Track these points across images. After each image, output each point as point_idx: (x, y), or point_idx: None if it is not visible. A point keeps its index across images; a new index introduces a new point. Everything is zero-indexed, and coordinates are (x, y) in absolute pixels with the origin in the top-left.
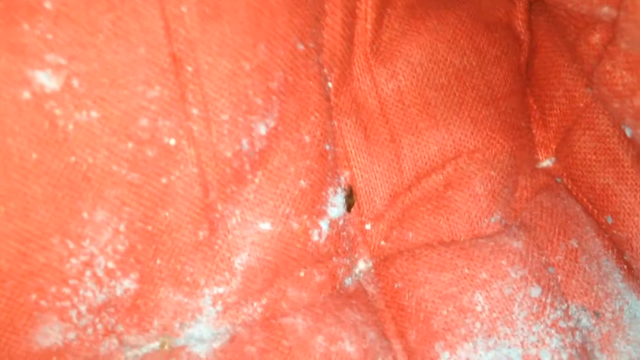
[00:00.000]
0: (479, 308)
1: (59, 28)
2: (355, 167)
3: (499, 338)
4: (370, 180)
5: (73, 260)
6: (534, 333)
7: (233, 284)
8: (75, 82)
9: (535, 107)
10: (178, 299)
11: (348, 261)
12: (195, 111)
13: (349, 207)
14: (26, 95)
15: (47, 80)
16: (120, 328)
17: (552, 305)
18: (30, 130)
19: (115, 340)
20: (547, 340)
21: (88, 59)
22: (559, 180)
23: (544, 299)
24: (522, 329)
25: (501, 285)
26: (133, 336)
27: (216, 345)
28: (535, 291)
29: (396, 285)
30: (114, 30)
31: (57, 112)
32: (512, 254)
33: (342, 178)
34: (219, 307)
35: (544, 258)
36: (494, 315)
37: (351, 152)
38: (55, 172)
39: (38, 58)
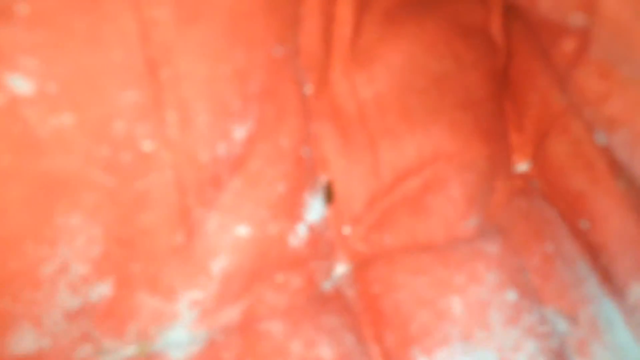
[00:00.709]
0: (455, 312)
1: (33, 31)
2: (333, 171)
3: (476, 343)
4: (349, 184)
5: (47, 266)
6: (510, 338)
7: (210, 288)
8: (49, 86)
9: (511, 111)
10: (154, 304)
11: (326, 265)
12: (171, 115)
13: (329, 198)
14: None
15: (19, 83)
16: (96, 334)
17: (528, 309)
18: (3, 135)
19: (91, 346)
20: (524, 344)
21: (62, 62)
22: (535, 184)
23: (520, 304)
24: (499, 333)
25: (478, 290)
26: (109, 342)
27: (193, 350)
28: (512, 295)
29: (374, 289)
30: (89, 34)
31: (31, 116)
32: (488, 258)
33: (320, 181)
34: (196, 312)
35: (520, 262)
36: (471, 320)
37: (329, 156)
38: (29, 177)
39: (10, 61)
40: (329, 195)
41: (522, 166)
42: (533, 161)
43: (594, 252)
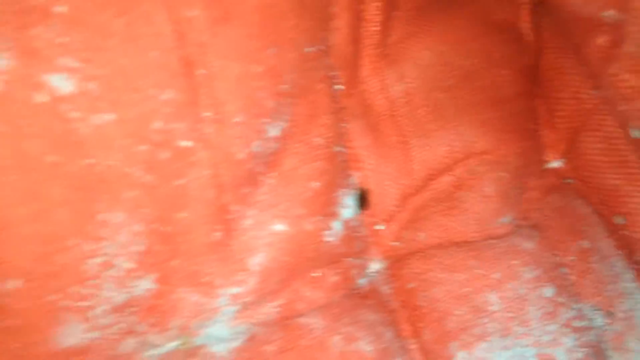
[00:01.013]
0: (493, 308)
1: (72, 32)
2: (366, 168)
3: (514, 338)
4: (381, 181)
5: (91, 261)
6: (548, 333)
7: (249, 284)
8: (89, 85)
9: (542, 108)
10: (195, 299)
11: (361, 262)
12: (207, 114)
13: (363, 204)
14: (40, 98)
15: (61, 83)
16: (140, 328)
17: (565, 305)
18: (45, 134)
19: (135, 340)
20: (562, 339)
21: (101, 62)
22: (568, 181)
23: (557, 299)
24: (537, 328)
25: (515, 286)
26: (152, 336)
27: (234, 344)
28: (549, 291)
29: (410, 286)
30: (126, 34)
31: (72, 115)
32: (524, 254)
33: (353, 179)
34: (236, 307)
35: (556, 258)
36: (509, 315)
37: (361, 153)
38: (72, 175)
39: (52, 62)
40: (363, 203)
41: (555, 163)
42: (566, 158)
43: (629, 247)
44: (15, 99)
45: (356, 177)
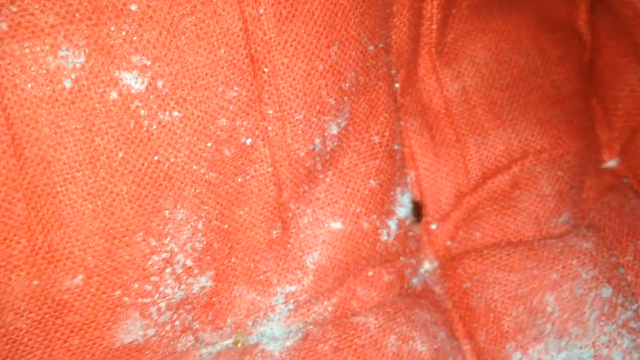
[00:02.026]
0: (549, 309)
1: (144, 30)
2: (421, 167)
3: (570, 339)
4: (436, 180)
5: (155, 257)
6: (605, 333)
7: (305, 282)
8: (159, 83)
9: (598, 107)
10: (251, 296)
11: (414, 261)
12: (270, 111)
13: (418, 218)
14: (113, 95)
15: (133, 81)
16: (196, 325)
17: (623, 305)
18: (117, 130)
19: (191, 337)
20: (619, 340)
21: (171, 60)
22: (625, 180)
23: (615, 300)
24: (594, 329)
25: (572, 286)
26: (208, 333)
27: (289, 343)
28: (607, 291)
29: (464, 286)
30: (195, 32)
31: (142, 112)
32: (582, 254)
33: (409, 178)
34: (291, 306)
35: (613, 258)
36: (565, 315)
37: (417, 152)
38: (140, 171)
39: (125, 59)
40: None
41: (611, 162)
42: (622, 157)
43: None
44: (90, 96)
45: (412, 176)
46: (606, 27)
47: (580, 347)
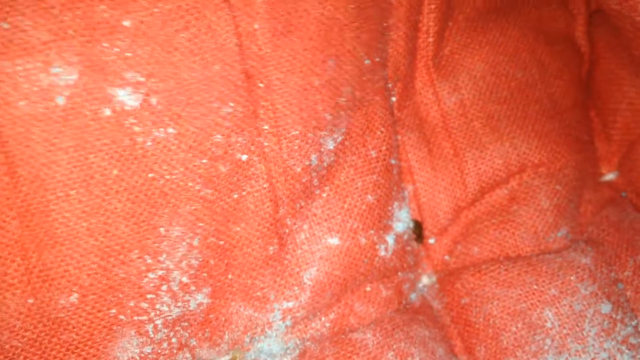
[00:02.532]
0: (548, 324)
1: (138, 46)
2: (419, 181)
3: (569, 355)
4: (434, 194)
5: (150, 275)
6: (605, 350)
7: (302, 298)
8: (153, 100)
9: (596, 120)
10: (248, 313)
11: (412, 276)
12: (266, 127)
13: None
14: (107, 112)
15: (126, 97)
16: (193, 342)
17: (622, 321)
18: (111, 147)
19: (188, 354)
20: (618, 357)
21: (165, 76)
22: (624, 194)
23: (614, 315)
24: (593, 345)
25: (571, 302)
26: (205, 350)
27: (286, 359)
28: (606, 307)
29: (463, 301)
30: (189, 48)
31: (136, 129)
32: (580, 269)
33: (407, 193)
34: (288, 322)
35: (612, 274)
36: (564, 331)
37: (414, 166)
38: (134, 188)
39: (118, 76)
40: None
41: (609, 176)
42: (620, 170)
43: None
44: (83, 114)
45: (409, 191)
46: (604, 40)
47: None
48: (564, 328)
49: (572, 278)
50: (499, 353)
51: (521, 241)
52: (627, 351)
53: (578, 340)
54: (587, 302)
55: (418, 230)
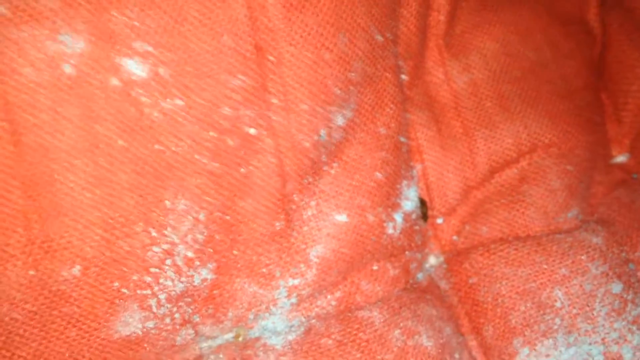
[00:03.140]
0: (558, 304)
1: (147, 15)
2: (428, 160)
3: (579, 334)
4: (443, 174)
5: (155, 249)
6: (615, 330)
7: (308, 276)
8: (161, 70)
9: (608, 101)
10: (253, 290)
11: (420, 255)
12: (275, 101)
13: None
14: (114, 82)
15: (134, 67)
16: (196, 318)
17: (633, 301)
18: (117, 117)
19: (191, 331)
20: (629, 337)
21: (174, 47)
22: (635, 176)
23: (625, 295)
24: (603, 325)
25: (581, 281)
26: (208, 327)
27: (291, 337)
28: (617, 287)
29: (470, 281)
30: (199, 19)
31: (144, 99)
32: (591, 249)
33: (415, 172)
34: (293, 299)
35: (623, 254)
36: (574, 311)
37: (424, 145)
38: (140, 160)
39: (126, 45)
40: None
41: (620, 157)
42: (631, 152)
43: None
44: (90, 83)
45: (418, 169)
46: (616, 21)
47: (590, 343)
48: (574, 308)
49: (582, 257)
50: (507, 332)
51: (531, 221)
52: (637, 331)
53: (588, 320)
54: (598, 281)
55: (424, 209)
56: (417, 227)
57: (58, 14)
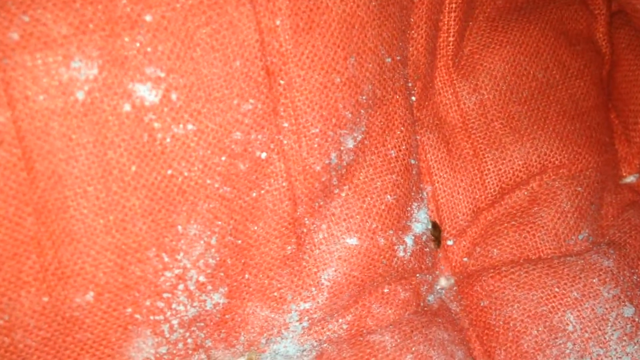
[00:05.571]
0: (570, 328)
1: (158, 41)
2: (438, 182)
3: (591, 359)
4: (453, 195)
5: (167, 274)
6: (627, 354)
7: (319, 299)
8: (173, 95)
9: (617, 121)
10: (265, 314)
11: (430, 278)
12: (286, 125)
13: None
14: (127, 107)
15: (147, 93)
16: (208, 343)
17: None
18: (130, 143)
19: (203, 355)
20: None
21: (185, 72)
22: None
23: (637, 319)
24: (616, 349)
25: (593, 305)
26: (220, 351)
27: None
28: (629, 310)
29: (482, 304)
30: (210, 44)
31: (156, 125)
32: (603, 272)
33: (425, 193)
34: (305, 323)
35: (635, 277)
36: (586, 335)
37: (433, 166)
38: (153, 185)
39: (138, 71)
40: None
41: (630, 178)
42: None
43: None
44: (103, 109)
45: (428, 191)
46: (625, 41)
47: None
48: (586, 332)
49: (594, 281)
50: (519, 357)
51: (542, 243)
52: None
53: (600, 344)
54: (610, 305)
55: (437, 233)
56: (427, 250)
57: (70, 41)
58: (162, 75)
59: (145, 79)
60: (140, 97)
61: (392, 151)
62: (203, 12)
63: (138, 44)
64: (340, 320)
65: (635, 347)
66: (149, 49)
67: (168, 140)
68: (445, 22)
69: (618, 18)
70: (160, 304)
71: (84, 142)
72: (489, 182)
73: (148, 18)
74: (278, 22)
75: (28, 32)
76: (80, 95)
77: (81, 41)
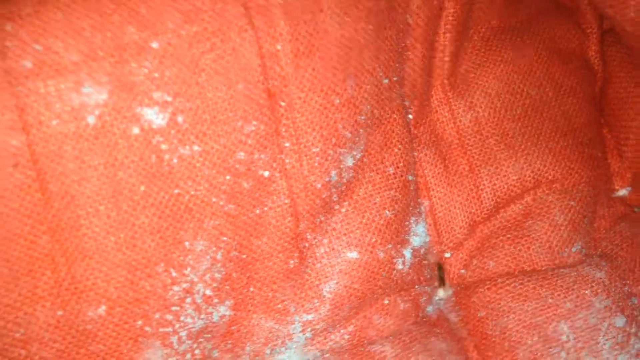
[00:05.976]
0: (564, 338)
1: (165, 67)
2: (435, 197)
3: None
4: (450, 209)
5: (175, 288)
6: None
7: (321, 311)
8: (179, 118)
9: (609, 137)
10: (269, 325)
11: (429, 289)
12: (287, 144)
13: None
14: (135, 130)
15: (154, 116)
16: (215, 353)
17: (636, 334)
18: (139, 165)
19: None
20: None
21: (191, 96)
22: (636, 209)
23: (628, 329)
24: (608, 358)
25: (586, 315)
26: None
27: None
28: (620, 321)
29: (479, 314)
30: (214, 68)
31: (163, 146)
32: (595, 284)
33: (423, 208)
34: (308, 334)
35: (626, 288)
36: (579, 345)
37: (431, 182)
38: (161, 204)
39: (146, 96)
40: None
41: (622, 191)
42: (633, 186)
43: None
44: (113, 132)
45: (425, 206)
46: (616, 58)
47: None
48: (579, 341)
49: (586, 292)
50: None
51: (536, 256)
52: None
53: (593, 353)
54: (602, 315)
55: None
56: (425, 262)
57: (81, 67)
58: (169, 99)
59: (153, 103)
60: (148, 121)
61: (391, 168)
62: (207, 39)
63: (146, 70)
64: (342, 331)
65: (627, 356)
66: (156, 75)
67: (175, 160)
68: (441, 43)
69: (609, 36)
70: (169, 317)
71: (95, 164)
72: (484, 196)
73: (155, 45)
74: (279, 47)
75: (40, 60)
76: (91, 120)
77: (91, 68)
